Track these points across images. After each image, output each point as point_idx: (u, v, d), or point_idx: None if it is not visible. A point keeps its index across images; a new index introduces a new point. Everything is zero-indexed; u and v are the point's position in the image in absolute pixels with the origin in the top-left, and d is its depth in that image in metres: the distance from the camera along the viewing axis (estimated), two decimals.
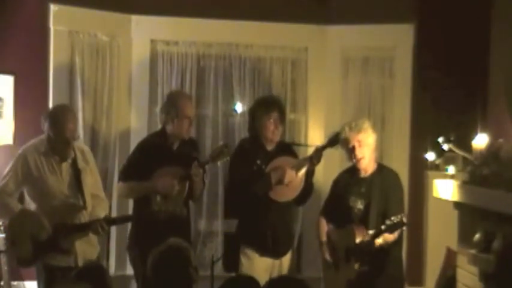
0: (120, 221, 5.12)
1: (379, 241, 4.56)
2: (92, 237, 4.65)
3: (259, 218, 4.94)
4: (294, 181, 4.91)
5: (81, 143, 4.93)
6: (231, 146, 5.20)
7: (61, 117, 4.54)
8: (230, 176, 5.15)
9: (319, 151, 4.94)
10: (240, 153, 5.04)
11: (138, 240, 4.90)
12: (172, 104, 4.94)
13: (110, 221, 4.69)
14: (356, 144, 4.68)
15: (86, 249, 4.57)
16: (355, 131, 4.67)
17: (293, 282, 3.40)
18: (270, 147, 5.05)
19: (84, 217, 4.57)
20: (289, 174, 4.88)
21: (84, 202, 4.53)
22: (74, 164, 4.55)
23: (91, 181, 4.67)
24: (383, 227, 4.50)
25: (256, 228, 4.96)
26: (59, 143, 4.50)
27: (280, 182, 4.89)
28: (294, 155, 5.17)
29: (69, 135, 4.49)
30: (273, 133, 5.00)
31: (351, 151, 4.72)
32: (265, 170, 4.91)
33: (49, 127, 4.52)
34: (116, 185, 5.22)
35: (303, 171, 4.93)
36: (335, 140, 4.85)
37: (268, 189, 4.89)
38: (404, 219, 4.48)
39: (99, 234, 4.57)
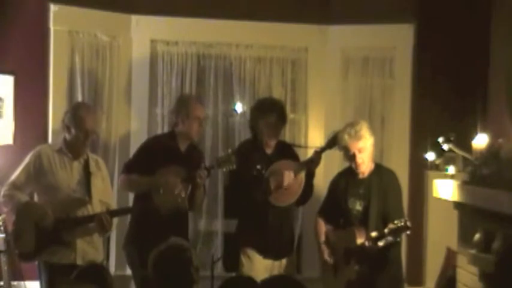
0: (122, 212, 5.07)
1: (380, 244, 4.56)
2: (96, 241, 4.67)
3: (259, 221, 4.94)
4: (293, 185, 4.91)
5: (96, 155, 4.99)
6: (231, 146, 5.20)
7: (83, 109, 4.73)
8: (230, 180, 5.14)
9: (318, 154, 4.94)
10: (240, 157, 5.02)
11: (135, 239, 4.91)
12: (184, 104, 5.00)
13: (112, 212, 4.70)
14: (356, 152, 4.69)
15: (87, 249, 4.59)
16: (354, 139, 4.67)
17: (288, 281, 3.40)
18: (269, 150, 5.04)
19: (88, 213, 4.61)
20: (288, 177, 4.87)
21: (90, 197, 4.56)
22: (86, 166, 4.62)
23: (101, 187, 4.74)
24: (386, 230, 4.49)
25: (256, 232, 4.95)
26: (77, 135, 4.58)
27: (279, 186, 4.88)
28: (294, 156, 5.16)
29: (88, 127, 4.58)
30: (268, 137, 5.00)
31: (351, 158, 4.72)
32: (265, 175, 4.89)
33: (70, 118, 4.64)
34: (118, 177, 5.23)
35: (302, 174, 4.92)
36: (333, 142, 4.85)
37: (267, 195, 4.88)
38: (409, 223, 4.47)
39: (104, 227, 4.57)
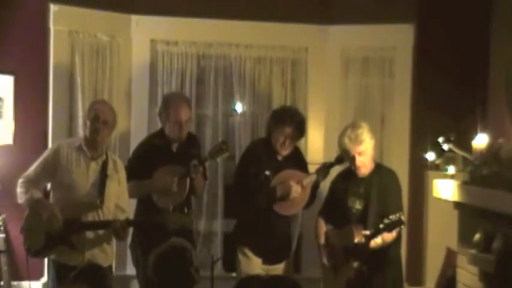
0: (140, 224, 4.91)
1: (377, 241, 4.56)
2: (106, 246, 4.63)
3: (259, 225, 4.92)
4: (299, 197, 4.90)
5: (116, 156, 4.92)
6: (231, 146, 5.18)
7: (99, 102, 4.77)
8: (236, 181, 5.09)
9: (326, 168, 4.93)
10: (250, 159, 4.99)
11: (140, 240, 4.90)
12: (165, 107, 4.93)
13: (130, 222, 4.64)
14: (356, 155, 4.70)
15: (95, 252, 4.55)
16: (354, 143, 4.67)
17: (285, 281, 3.38)
18: (280, 155, 5.00)
19: (98, 217, 4.56)
20: (295, 190, 4.86)
21: (102, 202, 4.53)
22: (104, 167, 4.57)
23: (117, 190, 4.64)
24: (381, 225, 4.51)
25: (255, 235, 4.94)
26: (92, 126, 4.52)
27: (285, 198, 4.86)
28: (303, 164, 5.12)
29: (100, 114, 4.53)
30: (281, 147, 4.95)
31: (351, 160, 4.73)
32: (272, 182, 4.85)
33: (87, 112, 4.63)
34: None
35: (309, 186, 4.91)
36: (343, 158, 4.84)
37: (272, 203, 4.86)
38: (403, 218, 4.48)
39: (120, 234, 4.54)
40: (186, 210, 4.82)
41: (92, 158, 4.57)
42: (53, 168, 4.54)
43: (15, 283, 5.42)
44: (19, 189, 4.53)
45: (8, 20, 5.52)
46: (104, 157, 4.61)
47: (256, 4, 5.99)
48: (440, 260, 5.44)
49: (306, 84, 6.12)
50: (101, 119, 4.53)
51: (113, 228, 4.49)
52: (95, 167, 4.57)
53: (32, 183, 4.52)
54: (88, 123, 4.54)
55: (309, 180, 4.92)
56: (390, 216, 4.49)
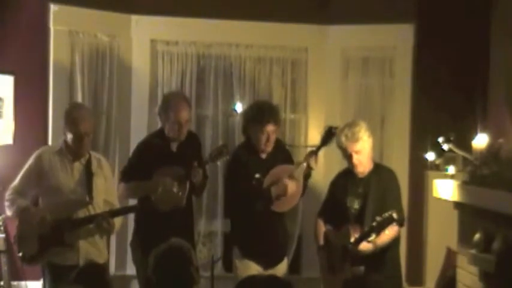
0: (123, 211, 4.92)
1: (372, 238, 4.55)
2: (99, 242, 4.64)
3: (255, 229, 4.88)
4: (295, 191, 4.87)
5: (98, 154, 4.92)
6: (231, 146, 5.17)
7: (76, 111, 4.61)
8: (228, 189, 5.05)
9: (314, 152, 4.86)
10: (237, 166, 4.90)
11: (140, 240, 4.89)
12: (164, 107, 4.88)
13: (112, 213, 4.66)
14: (353, 153, 4.69)
15: (90, 250, 4.56)
16: (351, 141, 4.65)
17: (277, 281, 3.36)
18: (264, 154, 4.94)
19: (90, 214, 4.57)
20: (291, 186, 4.80)
21: (91, 198, 4.54)
22: (88, 166, 4.59)
23: (104, 186, 4.67)
24: (374, 223, 4.50)
25: (252, 241, 4.90)
26: (72, 138, 4.52)
27: (281, 196, 4.82)
28: (288, 157, 5.07)
29: (82, 129, 4.51)
30: (265, 145, 4.88)
31: (348, 158, 4.72)
32: (264, 182, 4.77)
33: (65, 121, 4.58)
34: (117, 186, 5.21)
35: (301, 176, 4.88)
36: (328, 137, 4.79)
37: (269, 205, 4.83)
38: (394, 215, 4.44)
39: (104, 229, 4.55)
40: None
41: (74, 159, 4.60)
42: (37, 176, 4.56)
43: (15, 283, 5.42)
44: (6, 203, 4.57)
45: (8, 20, 5.53)
46: (87, 156, 4.62)
47: (256, 4, 6.00)
48: (440, 260, 5.45)
49: (306, 84, 6.13)
50: (82, 133, 4.51)
51: (97, 221, 4.50)
52: (78, 166, 4.60)
53: (18, 194, 4.56)
54: (69, 136, 4.52)
55: (300, 171, 4.87)
56: (383, 214, 4.48)
